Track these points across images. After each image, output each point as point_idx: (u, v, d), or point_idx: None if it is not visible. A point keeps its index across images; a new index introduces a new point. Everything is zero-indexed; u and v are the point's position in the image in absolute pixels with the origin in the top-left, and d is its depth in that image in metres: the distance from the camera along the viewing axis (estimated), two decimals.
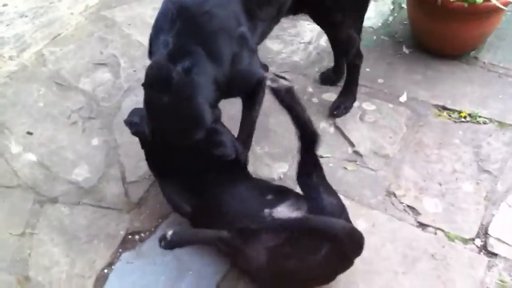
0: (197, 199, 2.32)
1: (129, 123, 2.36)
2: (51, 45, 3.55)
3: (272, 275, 2.11)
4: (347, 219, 2.16)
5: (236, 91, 2.37)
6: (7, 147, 2.88)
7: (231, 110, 2.58)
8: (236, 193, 2.29)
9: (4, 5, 3.89)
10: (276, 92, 2.15)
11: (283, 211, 2.17)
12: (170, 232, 2.18)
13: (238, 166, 2.39)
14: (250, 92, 2.40)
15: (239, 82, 2.31)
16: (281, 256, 2.06)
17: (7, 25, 3.72)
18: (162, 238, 2.20)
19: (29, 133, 2.95)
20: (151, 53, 2.26)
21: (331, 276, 2.16)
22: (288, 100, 2.16)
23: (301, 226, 2.08)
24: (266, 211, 2.17)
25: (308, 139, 2.22)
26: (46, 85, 3.26)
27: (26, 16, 3.79)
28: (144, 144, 2.40)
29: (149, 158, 2.45)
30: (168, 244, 2.18)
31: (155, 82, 2.16)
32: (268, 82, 2.12)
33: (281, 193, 2.28)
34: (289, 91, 2.15)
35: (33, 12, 3.82)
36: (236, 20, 2.23)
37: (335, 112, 2.93)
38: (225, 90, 2.25)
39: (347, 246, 2.04)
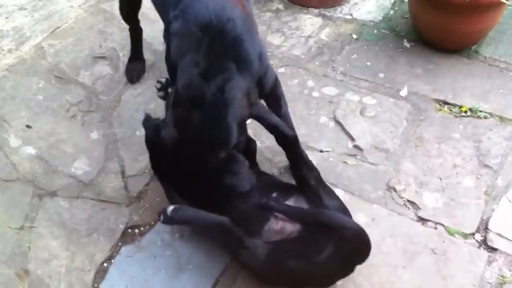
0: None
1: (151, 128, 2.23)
2: (50, 38, 3.54)
3: (271, 270, 2.11)
4: None
5: (263, 89, 2.32)
6: (6, 140, 2.88)
7: None
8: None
9: None
10: None
11: None
12: (170, 208, 2.11)
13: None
14: (270, 91, 2.39)
15: (265, 79, 2.29)
16: (282, 253, 2.06)
17: (6, 18, 3.70)
18: (162, 213, 2.13)
19: (28, 127, 2.94)
20: (173, 78, 2.19)
21: (331, 280, 2.16)
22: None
23: (314, 218, 2.10)
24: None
25: (282, 139, 2.31)
26: (45, 78, 3.25)
27: (25, 9, 3.78)
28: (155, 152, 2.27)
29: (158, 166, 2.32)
30: (168, 220, 2.12)
31: (187, 101, 2.09)
32: None
33: (285, 191, 2.29)
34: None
35: (32, 5, 3.81)
36: (251, 14, 2.22)
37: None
38: (256, 95, 2.24)
39: (354, 247, 2.05)
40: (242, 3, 2.20)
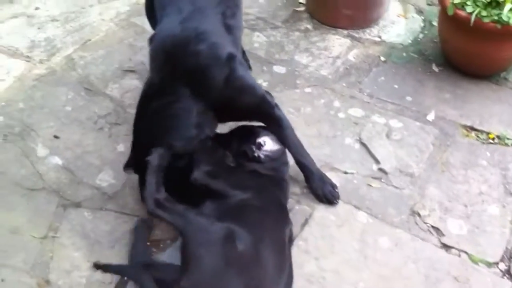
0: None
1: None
2: (81, 50, 3.58)
3: None
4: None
5: (244, 109, 2.44)
6: (33, 150, 2.91)
7: None
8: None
9: (36, 8, 3.94)
10: None
11: None
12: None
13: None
14: (260, 112, 2.48)
15: (242, 99, 2.40)
16: None
17: (39, 29, 3.76)
18: None
19: (56, 137, 2.97)
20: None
21: None
22: None
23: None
24: None
25: None
26: (74, 89, 3.28)
27: (57, 20, 3.84)
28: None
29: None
30: None
31: (136, 116, 2.38)
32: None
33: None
34: None
35: (64, 17, 3.87)
36: (222, 44, 2.34)
37: None
38: (222, 111, 2.36)
39: None
40: (219, 28, 2.39)
